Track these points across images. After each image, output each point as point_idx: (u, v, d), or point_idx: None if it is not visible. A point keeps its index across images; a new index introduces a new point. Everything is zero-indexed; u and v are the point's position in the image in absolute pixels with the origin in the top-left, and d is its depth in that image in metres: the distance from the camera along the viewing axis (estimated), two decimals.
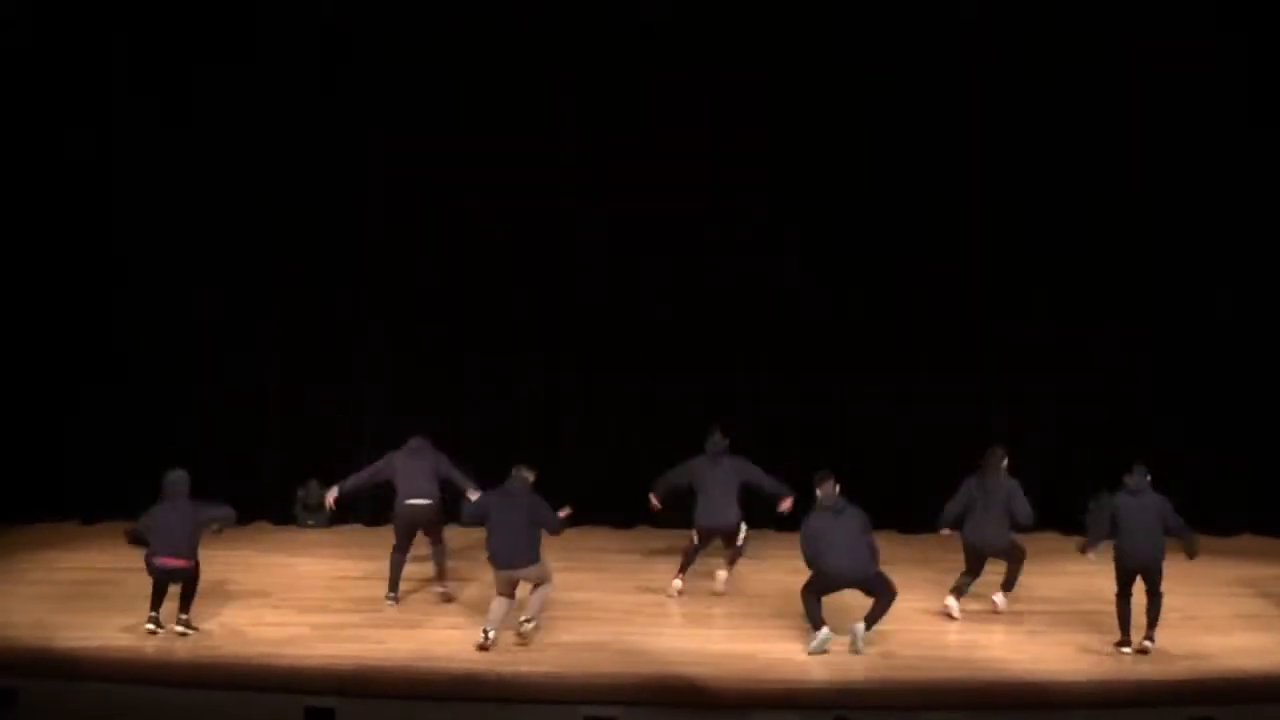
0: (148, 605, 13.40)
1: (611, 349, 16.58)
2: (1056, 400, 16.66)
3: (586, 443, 16.56)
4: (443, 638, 13.36)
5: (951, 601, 13.99)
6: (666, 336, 16.47)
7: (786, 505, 14.55)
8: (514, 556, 13.04)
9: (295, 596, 14.40)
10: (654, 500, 14.71)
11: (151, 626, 13.13)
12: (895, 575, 14.93)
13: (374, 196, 16.39)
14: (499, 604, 13.13)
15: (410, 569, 14.36)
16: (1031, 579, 15.03)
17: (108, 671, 12.46)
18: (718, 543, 14.71)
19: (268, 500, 16.67)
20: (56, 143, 15.95)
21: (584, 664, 12.77)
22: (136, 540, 13.24)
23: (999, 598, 14.09)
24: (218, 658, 12.79)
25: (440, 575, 14.40)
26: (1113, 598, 13.24)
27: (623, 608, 14.25)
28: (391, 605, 14.15)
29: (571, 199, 16.43)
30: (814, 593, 12.98)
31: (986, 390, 16.51)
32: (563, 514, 13.28)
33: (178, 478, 13.30)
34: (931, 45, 16.07)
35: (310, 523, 16.58)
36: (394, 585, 14.25)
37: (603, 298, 16.52)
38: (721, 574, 14.58)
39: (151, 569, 13.15)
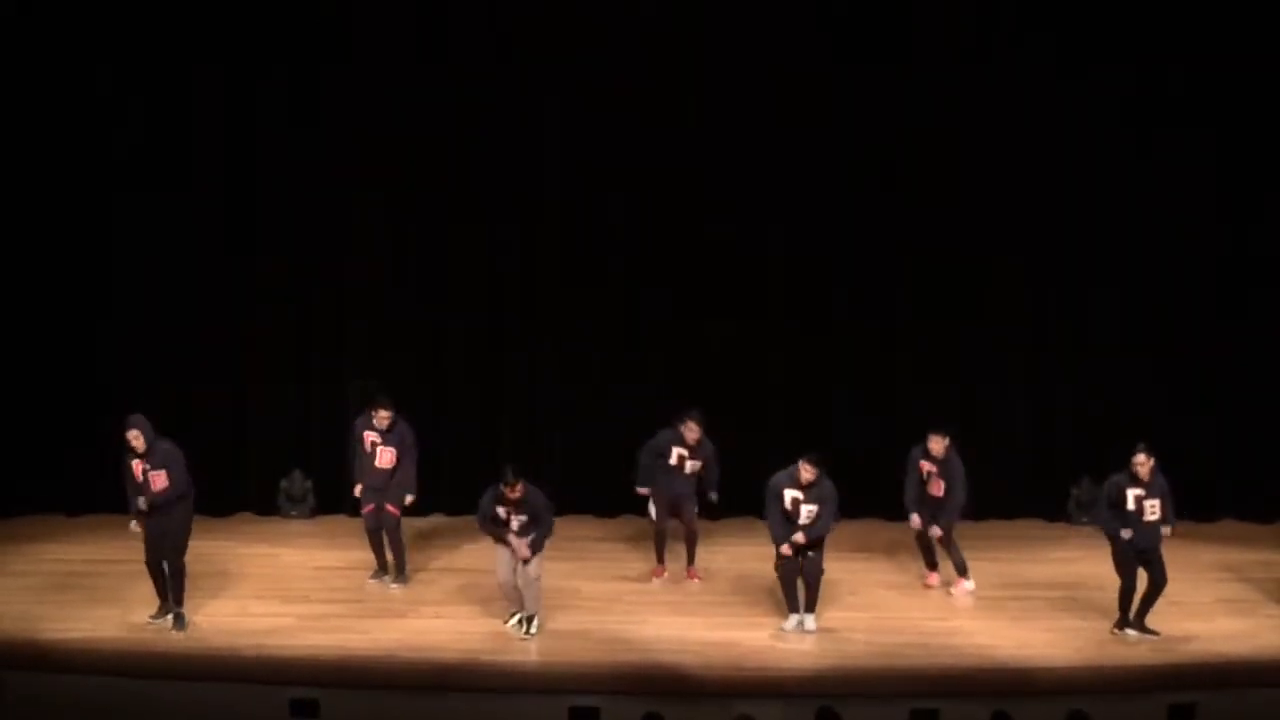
0: (133, 597, 13.50)
1: (590, 338, 16.53)
2: (1038, 385, 16.65)
3: (567, 430, 16.55)
4: (427, 628, 13.37)
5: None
6: (648, 323, 16.44)
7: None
8: None
9: (279, 587, 14.38)
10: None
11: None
12: (878, 562, 15.10)
13: (354, 190, 16.31)
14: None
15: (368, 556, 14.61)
16: (1015, 565, 15.13)
17: (93, 663, 12.45)
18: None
19: (251, 491, 16.65)
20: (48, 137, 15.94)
21: (568, 654, 12.79)
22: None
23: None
24: (203, 649, 12.78)
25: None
26: (1099, 583, 13.33)
27: (605, 596, 14.25)
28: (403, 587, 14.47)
29: (555, 189, 16.40)
30: None
31: (969, 374, 16.48)
32: None
33: None
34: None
35: (293, 514, 16.56)
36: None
37: (582, 285, 16.47)
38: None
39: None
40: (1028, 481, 16.61)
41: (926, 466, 14.19)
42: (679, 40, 16.04)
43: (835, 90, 16.12)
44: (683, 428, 14.39)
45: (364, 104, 16.11)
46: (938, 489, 14.13)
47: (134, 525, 13.25)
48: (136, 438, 12.86)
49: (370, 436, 14.28)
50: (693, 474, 14.49)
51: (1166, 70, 16.05)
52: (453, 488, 16.02)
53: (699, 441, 14.42)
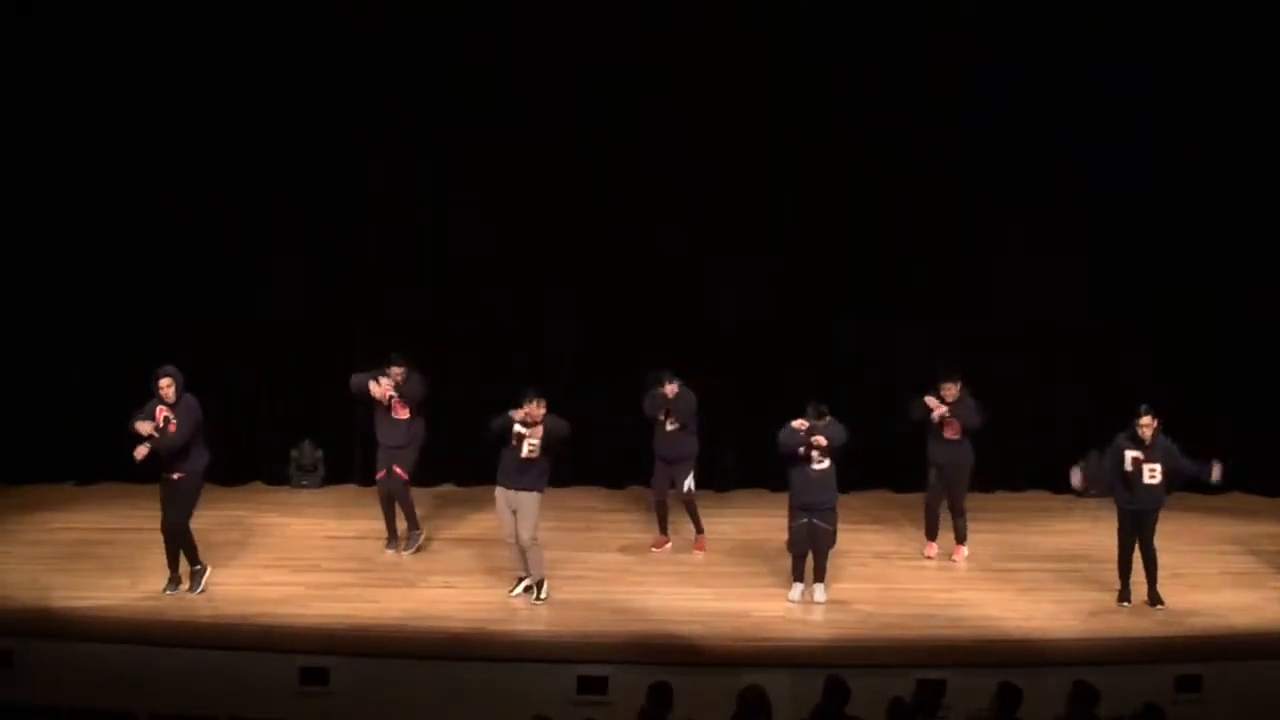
0: (144, 565, 13.59)
1: (598, 312, 16.54)
2: (1044, 356, 16.66)
3: (576, 403, 16.54)
4: (436, 597, 13.42)
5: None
6: (655, 301, 16.44)
7: None
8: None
9: (289, 556, 14.45)
10: None
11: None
12: (887, 533, 15.14)
13: (365, 158, 16.36)
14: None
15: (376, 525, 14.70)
16: (1022, 537, 15.16)
17: (103, 632, 12.51)
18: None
19: (261, 461, 16.71)
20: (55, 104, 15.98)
21: (577, 623, 12.84)
22: None
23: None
24: (213, 617, 12.85)
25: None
26: (1106, 555, 13.34)
27: (613, 566, 14.31)
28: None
29: (555, 145, 16.37)
30: None
31: (976, 344, 16.45)
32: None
33: None
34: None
35: (304, 483, 16.61)
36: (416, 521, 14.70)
37: (591, 261, 16.48)
38: None
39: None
40: (1034, 453, 16.61)
41: (938, 409, 14.09)
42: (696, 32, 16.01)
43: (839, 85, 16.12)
44: (659, 388, 14.41)
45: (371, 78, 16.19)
46: (952, 430, 14.11)
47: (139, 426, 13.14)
48: (169, 385, 13.01)
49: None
50: (674, 431, 14.44)
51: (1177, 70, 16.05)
52: (463, 457, 16.05)
53: (675, 396, 14.41)
